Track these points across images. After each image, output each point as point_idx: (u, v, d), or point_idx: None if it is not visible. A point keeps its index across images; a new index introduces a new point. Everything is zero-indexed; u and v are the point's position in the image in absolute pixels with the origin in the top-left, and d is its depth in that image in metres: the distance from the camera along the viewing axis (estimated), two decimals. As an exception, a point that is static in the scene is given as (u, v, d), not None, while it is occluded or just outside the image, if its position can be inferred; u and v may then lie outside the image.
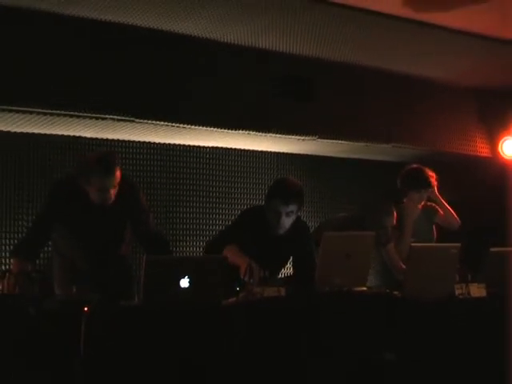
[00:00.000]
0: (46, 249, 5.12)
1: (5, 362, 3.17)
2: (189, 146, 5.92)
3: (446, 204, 5.40)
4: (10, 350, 3.19)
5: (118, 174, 4.09)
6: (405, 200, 5.30)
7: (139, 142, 5.69)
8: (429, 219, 5.42)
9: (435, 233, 5.43)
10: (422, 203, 5.33)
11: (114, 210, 4.18)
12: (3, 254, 5.15)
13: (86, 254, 4.30)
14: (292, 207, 4.29)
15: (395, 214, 4.80)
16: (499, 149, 6.60)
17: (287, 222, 4.32)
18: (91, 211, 4.16)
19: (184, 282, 3.45)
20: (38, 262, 4.98)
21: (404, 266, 4.65)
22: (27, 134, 5.17)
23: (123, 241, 4.43)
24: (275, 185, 4.48)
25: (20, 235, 5.13)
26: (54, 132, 5.21)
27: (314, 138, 5.69)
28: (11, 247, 5.05)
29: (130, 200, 4.25)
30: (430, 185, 5.22)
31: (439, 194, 5.38)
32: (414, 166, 5.34)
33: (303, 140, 5.72)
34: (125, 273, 4.43)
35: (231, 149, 6.13)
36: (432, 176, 5.23)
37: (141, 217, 4.32)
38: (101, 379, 3.25)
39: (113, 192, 4.10)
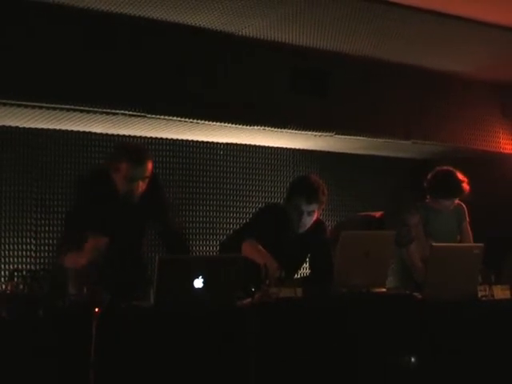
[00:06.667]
0: (56, 247, 5.11)
1: (14, 364, 3.12)
2: (202, 142, 5.88)
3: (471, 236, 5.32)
4: (18, 352, 3.14)
5: (149, 166, 4.01)
6: (428, 200, 5.21)
7: (151, 137, 5.64)
8: (456, 219, 5.32)
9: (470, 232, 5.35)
10: None
11: (139, 206, 4.09)
12: (12, 252, 5.11)
13: (109, 251, 4.13)
14: (314, 206, 4.29)
15: (419, 213, 4.78)
16: (524, 145, 6.54)
17: (308, 220, 4.31)
18: (117, 207, 4.06)
19: (198, 283, 3.41)
20: (47, 260, 4.97)
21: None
22: (36, 129, 5.15)
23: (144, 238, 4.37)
24: (297, 182, 4.45)
25: (29, 233, 5.10)
26: (63, 127, 5.19)
27: (331, 134, 5.63)
28: (20, 246, 5.05)
29: (153, 197, 4.15)
30: (461, 192, 5.09)
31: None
32: (444, 169, 5.17)
33: (320, 136, 5.67)
34: (142, 273, 4.34)
35: (246, 145, 6.09)
36: (463, 181, 5.09)
37: (163, 215, 4.24)
38: (111, 381, 3.22)
39: (141, 185, 4.01)
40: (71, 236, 4.03)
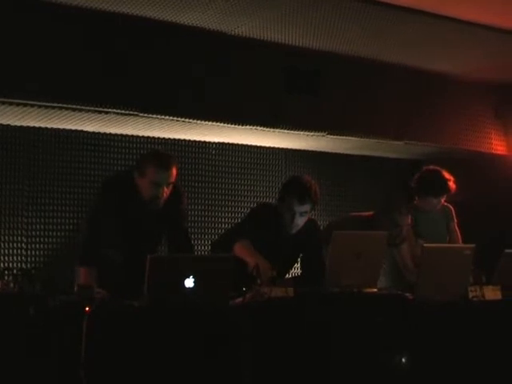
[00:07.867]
0: (47, 246, 5.09)
1: (5, 363, 3.12)
2: (194, 141, 5.87)
3: (459, 236, 5.34)
4: (8, 351, 3.14)
5: (174, 171, 4.03)
6: (416, 201, 5.18)
7: (143, 136, 5.65)
8: (444, 220, 5.34)
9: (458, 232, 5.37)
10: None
11: (160, 211, 4.08)
12: (3, 251, 5.11)
13: (125, 254, 4.13)
14: (307, 207, 4.25)
15: (410, 213, 4.73)
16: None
17: (301, 221, 4.28)
18: (139, 211, 4.06)
19: (189, 282, 3.39)
20: (38, 259, 4.95)
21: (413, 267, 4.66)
22: (27, 127, 5.15)
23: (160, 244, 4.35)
24: (290, 183, 4.40)
25: (20, 231, 5.10)
26: (54, 126, 5.18)
27: (323, 134, 5.64)
28: (11, 244, 5.06)
29: (173, 204, 4.15)
30: (448, 190, 5.13)
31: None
32: (431, 168, 5.22)
33: (312, 136, 5.67)
34: None
35: (238, 144, 6.09)
36: (450, 179, 5.13)
37: (179, 223, 4.24)
38: (102, 380, 3.20)
39: (166, 191, 4.01)
40: (91, 240, 4.02)
